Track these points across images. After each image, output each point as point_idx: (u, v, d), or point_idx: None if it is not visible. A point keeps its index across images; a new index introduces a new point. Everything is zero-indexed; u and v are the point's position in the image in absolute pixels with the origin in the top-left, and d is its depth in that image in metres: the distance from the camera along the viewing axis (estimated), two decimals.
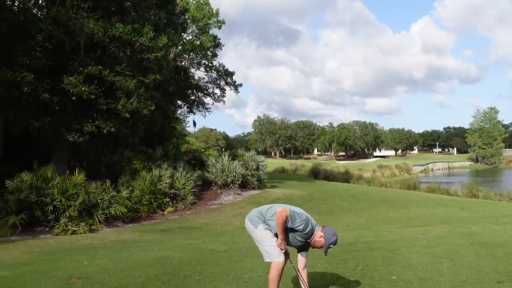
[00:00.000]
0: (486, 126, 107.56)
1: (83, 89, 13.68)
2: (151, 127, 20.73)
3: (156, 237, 11.89)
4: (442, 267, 6.18)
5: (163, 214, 16.08)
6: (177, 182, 17.28)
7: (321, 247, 4.61)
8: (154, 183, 16.24)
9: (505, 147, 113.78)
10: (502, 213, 14.53)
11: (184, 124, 40.91)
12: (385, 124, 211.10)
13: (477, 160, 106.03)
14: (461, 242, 8.12)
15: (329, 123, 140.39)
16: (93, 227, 13.05)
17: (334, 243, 4.61)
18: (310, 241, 4.65)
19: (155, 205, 16.01)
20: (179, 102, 28.48)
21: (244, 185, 20.45)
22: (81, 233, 12.56)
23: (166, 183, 16.61)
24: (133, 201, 15.05)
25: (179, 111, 30.98)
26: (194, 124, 38.07)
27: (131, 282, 6.00)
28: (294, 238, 4.63)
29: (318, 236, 4.61)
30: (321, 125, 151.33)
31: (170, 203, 16.75)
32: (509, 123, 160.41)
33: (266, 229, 4.63)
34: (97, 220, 13.24)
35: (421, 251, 7.34)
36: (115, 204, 14.02)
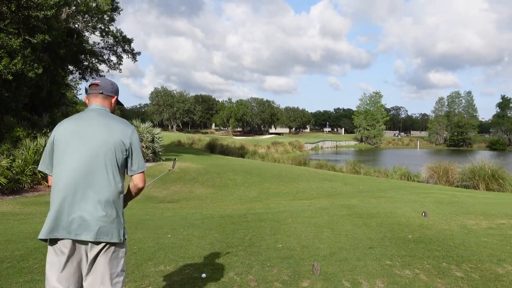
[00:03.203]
0: (371, 109, 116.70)
1: None
2: (37, 92, 19.15)
3: (39, 210, 11.19)
4: (323, 235, 6.66)
5: (48, 186, 15.10)
6: None
7: None
8: (39, 152, 15.17)
9: (386, 129, 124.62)
10: (379, 188, 15.95)
11: (75, 91, 38.41)
12: (282, 102, 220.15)
13: (361, 140, 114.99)
14: (341, 213, 8.81)
15: (228, 99, 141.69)
16: None
17: None
18: None
19: (40, 176, 15.01)
20: (71, 68, 26.43)
21: None
22: None
23: None
24: (14, 172, 13.96)
25: (71, 77, 28.78)
26: (87, 91, 35.64)
27: (8, 256, 5.62)
28: None
29: None
30: (220, 100, 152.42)
31: None
32: (391, 107, 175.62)
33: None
34: None
35: (305, 222, 7.83)
36: None
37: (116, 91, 3.07)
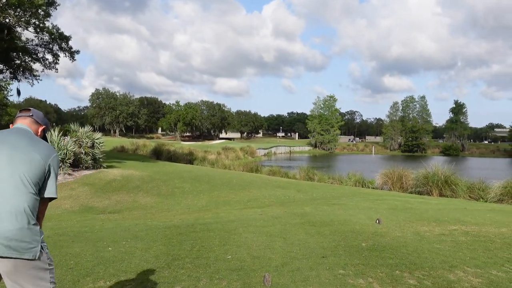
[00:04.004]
0: (325, 113, 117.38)
1: None
2: None
3: None
4: (275, 245, 6.42)
5: None
6: None
7: None
8: None
9: (341, 134, 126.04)
10: (333, 195, 15.92)
11: (6, 92, 36.48)
12: (233, 105, 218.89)
13: (315, 146, 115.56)
14: (294, 221, 8.62)
15: (176, 102, 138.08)
16: None
17: None
18: None
19: None
20: (1, 66, 24.78)
21: (77, 164, 19.13)
22: None
23: None
24: None
25: (0, 76, 27.10)
26: (19, 93, 33.64)
27: None
28: None
29: None
30: (167, 103, 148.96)
31: None
32: (346, 112, 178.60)
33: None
34: None
35: (257, 231, 7.57)
36: None
37: (46, 123, 2.99)
